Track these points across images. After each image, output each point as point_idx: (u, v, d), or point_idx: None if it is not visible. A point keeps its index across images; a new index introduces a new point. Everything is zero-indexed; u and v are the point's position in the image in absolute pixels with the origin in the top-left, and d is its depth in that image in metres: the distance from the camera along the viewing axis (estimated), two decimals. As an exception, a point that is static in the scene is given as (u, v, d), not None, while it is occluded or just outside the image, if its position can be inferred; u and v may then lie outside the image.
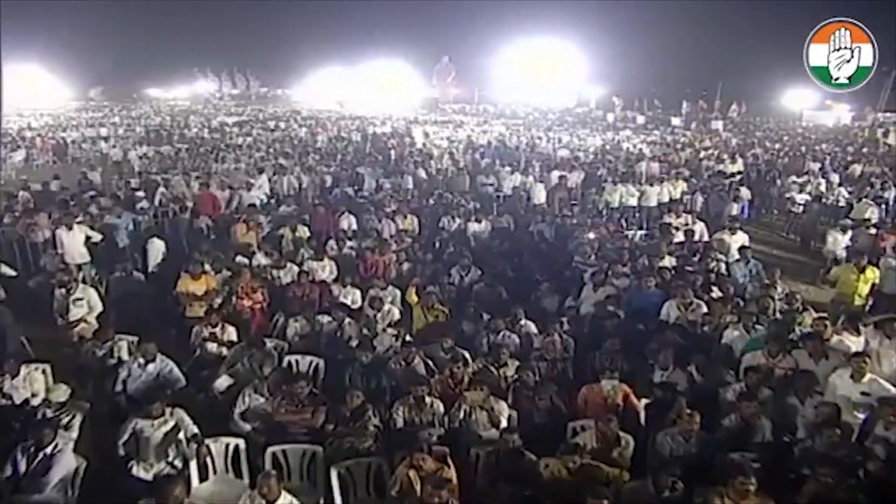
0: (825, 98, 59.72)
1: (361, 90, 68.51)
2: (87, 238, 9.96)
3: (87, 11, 67.10)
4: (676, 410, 5.62)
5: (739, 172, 20.16)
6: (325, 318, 7.86)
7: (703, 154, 23.59)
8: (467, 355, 6.95)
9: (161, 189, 14.00)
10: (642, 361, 6.99)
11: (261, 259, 10.46)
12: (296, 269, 9.99)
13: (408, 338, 7.53)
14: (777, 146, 29.71)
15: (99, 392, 6.60)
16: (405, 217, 12.06)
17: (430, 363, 6.73)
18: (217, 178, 15.52)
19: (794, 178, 19.18)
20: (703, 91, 57.63)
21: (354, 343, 7.59)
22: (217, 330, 7.44)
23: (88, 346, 6.99)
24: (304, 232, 11.33)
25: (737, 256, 9.70)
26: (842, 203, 15.88)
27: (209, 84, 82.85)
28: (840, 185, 17.37)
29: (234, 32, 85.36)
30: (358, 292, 9.12)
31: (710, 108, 55.54)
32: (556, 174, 16.33)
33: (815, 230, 14.83)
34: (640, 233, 12.32)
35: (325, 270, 10.10)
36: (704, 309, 7.64)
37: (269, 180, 15.41)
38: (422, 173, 16.59)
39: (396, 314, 8.21)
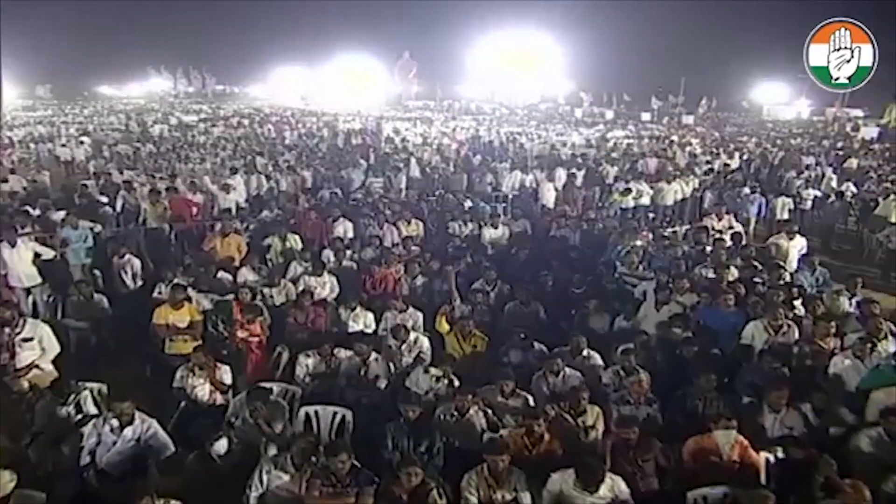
0: (791, 94, 60.78)
1: (326, 87, 66.69)
2: (37, 255, 8.22)
3: (34, 6, 63.69)
4: (827, 473, 4.37)
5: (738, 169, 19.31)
6: (344, 353, 6.39)
7: (697, 150, 22.69)
8: (531, 399, 5.61)
9: (122, 193, 12.24)
10: (731, 397, 5.77)
11: (247, 275, 8.92)
12: (291, 287, 8.53)
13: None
14: (754, 141, 29.16)
15: (57, 463, 5.03)
16: (409, 222, 10.63)
17: (490, 413, 5.34)
18: (185, 180, 13.82)
19: (792, 173, 18.49)
20: (658, 87, 57.57)
21: (382, 384, 6.18)
22: (207, 372, 5.91)
23: (45, 402, 5.39)
24: (295, 241, 9.80)
25: (795, 264, 8.59)
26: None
27: (164, 82, 79.81)
28: (847, 179, 16.59)
29: (188, 30, 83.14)
30: (370, 316, 7.68)
31: (675, 104, 55.46)
32: (560, 172, 15.04)
33: (833, 228, 14.00)
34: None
35: (326, 288, 8.65)
36: (796, 332, 6.44)
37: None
38: (415, 172, 15.13)
39: (426, 345, 6.78)
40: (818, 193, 15.36)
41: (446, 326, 6.87)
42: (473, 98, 67.96)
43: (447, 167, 15.59)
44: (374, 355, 6.27)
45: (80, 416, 5.36)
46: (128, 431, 4.88)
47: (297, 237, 9.82)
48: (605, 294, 8.10)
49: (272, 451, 5.08)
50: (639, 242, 8.98)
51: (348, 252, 9.64)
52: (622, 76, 61.69)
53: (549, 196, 13.16)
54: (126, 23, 77.81)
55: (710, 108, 52.40)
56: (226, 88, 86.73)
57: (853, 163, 21.05)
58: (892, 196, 13.62)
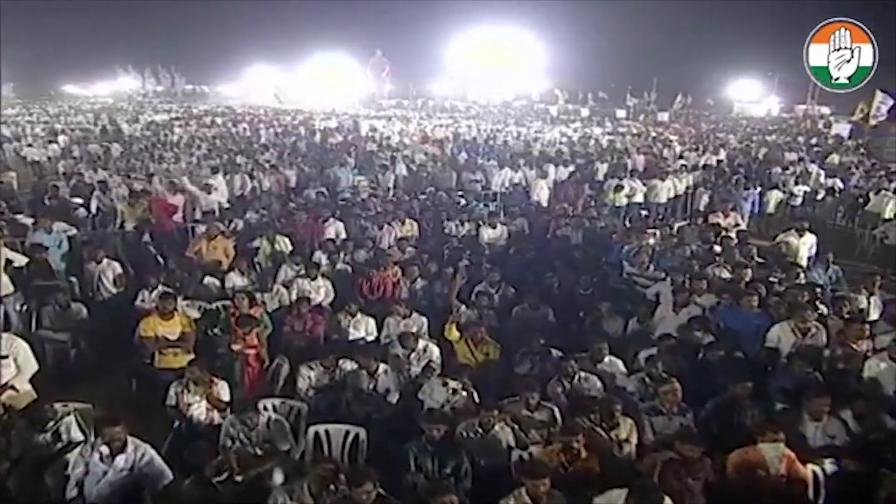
0: (762, 91, 61.70)
1: (299, 86, 65.78)
2: (8, 262, 7.57)
3: (-3, 4, 61.37)
4: (892, 490, 4.06)
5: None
6: (349, 365, 5.93)
7: (677, 148, 22.57)
8: (557, 413, 5.22)
9: (97, 194, 11.57)
10: (764, 404, 5.45)
11: (235, 280, 8.44)
12: (285, 292, 8.05)
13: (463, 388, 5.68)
14: (738, 137, 29.30)
15: (40, 496, 4.51)
16: (402, 222, 10.19)
17: (517, 429, 4.94)
18: (161, 180, 13.14)
19: (778, 168, 18.45)
20: (629, 86, 57.91)
21: (394, 398, 5.74)
22: (203, 388, 5.40)
23: (20, 427, 4.84)
24: (284, 244, 9.29)
25: (806, 261, 8.34)
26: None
27: (132, 81, 78.03)
28: (833, 175, 16.56)
29: (156, 28, 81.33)
30: (372, 322, 7.24)
31: (648, 102, 55.75)
32: (552, 169, 14.69)
33: (825, 224, 13.92)
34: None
35: (320, 292, 8.20)
36: (824, 334, 6.15)
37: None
38: (402, 170, 14.65)
39: (436, 354, 6.36)
40: (807, 189, 15.28)
41: (456, 334, 6.47)
42: (447, 96, 67.59)
43: (435, 165, 15.13)
44: (382, 367, 5.83)
45: (61, 444, 4.83)
46: (120, 460, 4.37)
47: (286, 239, 9.33)
48: (615, 296, 7.77)
49: (279, 477, 4.62)
50: (651, 241, 8.64)
51: (340, 254, 9.20)
52: (597, 74, 61.84)
53: (542, 194, 12.79)
54: (92, 21, 75.57)
55: (686, 106, 52.70)
56: (196, 88, 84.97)
57: (835, 158, 21.13)
58: (883, 192, 13.58)
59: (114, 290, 8.22)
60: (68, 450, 4.69)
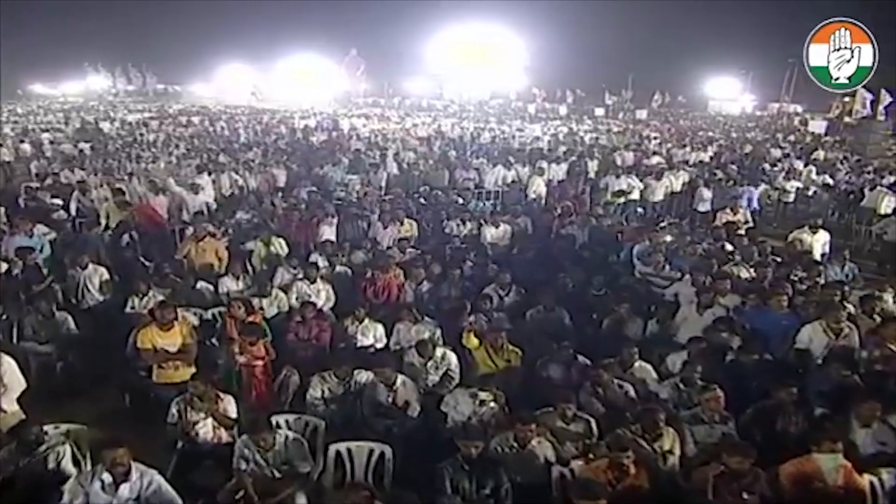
0: (736, 89, 62.38)
1: (275, 84, 65.06)
2: None
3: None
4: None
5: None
6: (364, 376, 5.54)
7: (667, 144, 22.52)
8: (594, 424, 4.90)
9: (76, 195, 10.98)
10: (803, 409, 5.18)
11: (229, 285, 8.00)
12: (283, 297, 7.62)
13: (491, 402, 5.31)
14: (733, 135, 29.45)
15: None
16: (401, 222, 9.79)
17: (556, 443, 4.60)
18: (142, 179, 12.55)
19: (767, 165, 18.47)
20: (602, 84, 58.16)
21: (415, 411, 5.36)
22: (208, 404, 4.97)
23: (9, 450, 4.37)
24: (280, 246, 8.85)
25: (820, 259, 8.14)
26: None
27: (102, 80, 76.11)
28: (823, 172, 16.56)
29: (126, 27, 79.67)
30: (380, 328, 6.85)
31: (625, 100, 56.01)
32: (547, 166, 14.39)
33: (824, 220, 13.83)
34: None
35: (321, 296, 7.78)
36: (857, 334, 5.93)
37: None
38: (394, 168, 14.23)
39: (454, 362, 5.99)
40: (799, 185, 15.22)
41: (475, 341, 6.11)
42: (423, 95, 67.29)
43: (426, 163, 14.74)
44: (400, 378, 5.44)
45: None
46: (124, 489, 3.94)
47: (282, 241, 8.89)
48: (630, 296, 7.46)
49: (302, 502, 4.23)
50: (668, 238, 8.36)
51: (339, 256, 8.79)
52: (574, 72, 61.91)
53: (540, 191, 12.48)
54: (61, 19, 73.79)
55: (663, 104, 53.04)
56: (167, 87, 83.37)
57: (819, 154, 21.23)
58: (878, 188, 13.55)
59: (100, 297, 7.70)
60: (64, 477, 4.24)
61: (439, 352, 5.95)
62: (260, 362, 5.71)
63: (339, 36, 68.05)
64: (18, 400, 5.11)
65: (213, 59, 71.90)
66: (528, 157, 16.21)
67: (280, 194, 12.62)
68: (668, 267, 7.78)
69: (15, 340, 7.03)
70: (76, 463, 4.40)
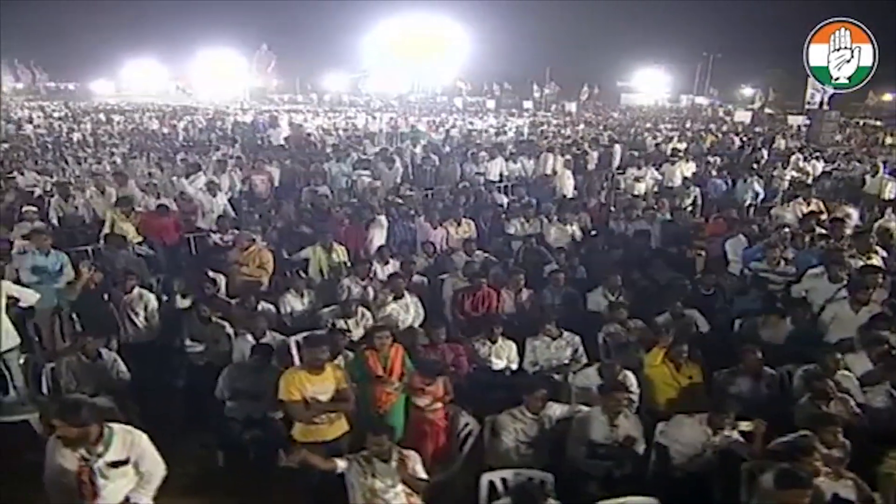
0: (651, 82, 64.57)
1: (193, 80, 61.61)
2: (13, 301, 5.47)
3: None
4: None
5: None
6: (556, 409, 4.58)
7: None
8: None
9: (55, 201, 9.22)
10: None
11: (293, 303, 6.84)
12: (369, 315, 6.51)
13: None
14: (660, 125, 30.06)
15: None
16: (458, 222, 8.83)
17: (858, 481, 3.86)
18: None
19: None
20: (528, 78, 58.81)
21: (640, 447, 4.48)
22: (400, 466, 3.89)
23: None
24: (341, 254, 7.68)
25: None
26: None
27: (-16, 77, 68.92)
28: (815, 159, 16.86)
29: (11, 22, 72.20)
30: (514, 347, 5.92)
31: (552, 92, 56.75)
32: (549, 157, 13.70)
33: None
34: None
35: (409, 312, 6.75)
36: None
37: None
38: (397, 165, 13.09)
39: (634, 382, 5.14)
40: (795, 174, 15.35)
41: (656, 358, 5.29)
42: (339, 90, 65.73)
43: (432, 158, 13.71)
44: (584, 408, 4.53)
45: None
46: None
47: (342, 248, 7.70)
48: (741, 295, 6.91)
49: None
50: (787, 228, 7.82)
51: (392, 261, 7.73)
52: (501, 65, 62.13)
53: (568, 184, 11.78)
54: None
55: (591, 96, 54.05)
56: (59, 85, 76.81)
57: (781, 144, 21.83)
58: (880, 174, 13.76)
59: (143, 332, 6.28)
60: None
61: (620, 374, 5.08)
62: (439, 405, 4.61)
63: (251, 30, 65.12)
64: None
65: (115, 54, 67.30)
66: (524, 149, 15.47)
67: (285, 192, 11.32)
68: (783, 263, 7.25)
69: (46, 391, 5.64)
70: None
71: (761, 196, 13.00)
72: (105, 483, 3.35)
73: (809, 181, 14.80)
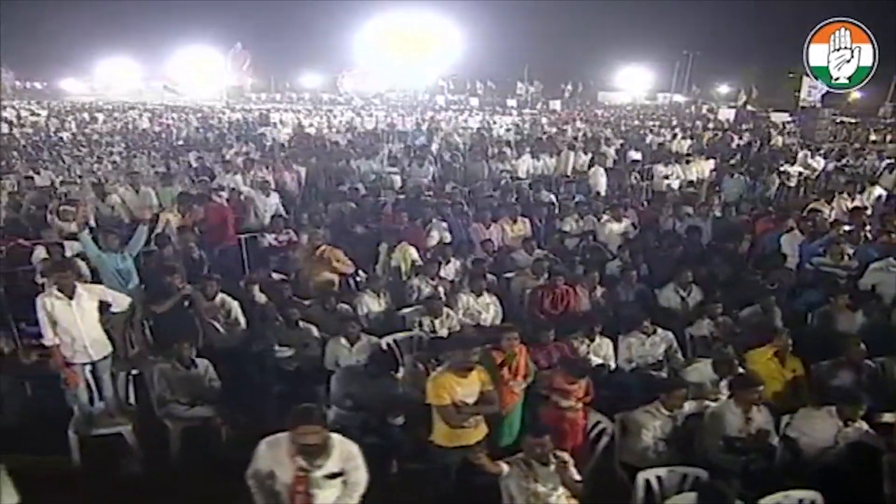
0: (628, 80, 65.13)
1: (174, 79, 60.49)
2: (104, 306, 5.25)
3: None
4: None
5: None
6: (688, 405, 4.58)
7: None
8: None
9: (91, 199, 8.93)
10: None
11: (370, 304, 6.72)
12: (454, 315, 6.48)
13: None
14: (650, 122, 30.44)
15: None
16: (514, 220, 8.80)
17: None
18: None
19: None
20: (509, 77, 59.01)
21: (774, 440, 4.51)
22: (559, 469, 3.86)
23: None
24: (412, 254, 7.59)
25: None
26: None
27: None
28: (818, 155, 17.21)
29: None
30: (610, 345, 5.92)
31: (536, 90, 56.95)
32: (573, 156, 13.74)
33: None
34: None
35: (490, 311, 6.74)
36: None
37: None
38: (427, 163, 12.98)
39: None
40: (801, 170, 15.64)
41: (766, 353, 5.33)
42: (316, 89, 65.32)
43: (457, 154, 13.63)
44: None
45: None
46: None
47: (413, 249, 7.62)
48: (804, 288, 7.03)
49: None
50: (847, 227, 7.96)
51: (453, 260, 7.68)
52: (483, 63, 62.05)
53: (601, 182, 11.81)
54: None
55: (574, 94, 54.38)
56: (26, 84, 74.66)
57: (778, 141, 22.21)
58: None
59: (227, 341, 6.08)
60: None
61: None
62: (580, 406, 4.57)
63: (229, 29, 64.01)
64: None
65: (87, 53, 65.43)
66: (539, 146, 15.45)
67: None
68: (846, 258, 7.38)
69: (133, 401, 5.49)
70: None
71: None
72: (317, 493, 3.28)
73: (814, 177, 15.19)
